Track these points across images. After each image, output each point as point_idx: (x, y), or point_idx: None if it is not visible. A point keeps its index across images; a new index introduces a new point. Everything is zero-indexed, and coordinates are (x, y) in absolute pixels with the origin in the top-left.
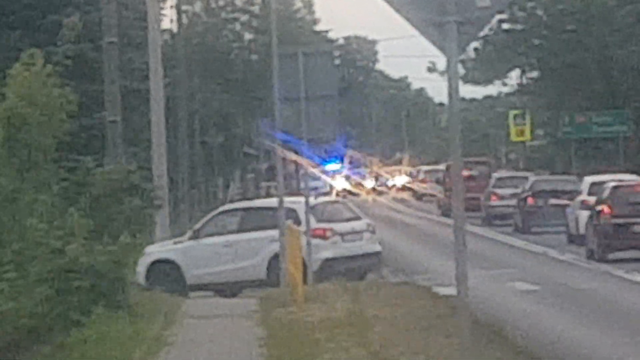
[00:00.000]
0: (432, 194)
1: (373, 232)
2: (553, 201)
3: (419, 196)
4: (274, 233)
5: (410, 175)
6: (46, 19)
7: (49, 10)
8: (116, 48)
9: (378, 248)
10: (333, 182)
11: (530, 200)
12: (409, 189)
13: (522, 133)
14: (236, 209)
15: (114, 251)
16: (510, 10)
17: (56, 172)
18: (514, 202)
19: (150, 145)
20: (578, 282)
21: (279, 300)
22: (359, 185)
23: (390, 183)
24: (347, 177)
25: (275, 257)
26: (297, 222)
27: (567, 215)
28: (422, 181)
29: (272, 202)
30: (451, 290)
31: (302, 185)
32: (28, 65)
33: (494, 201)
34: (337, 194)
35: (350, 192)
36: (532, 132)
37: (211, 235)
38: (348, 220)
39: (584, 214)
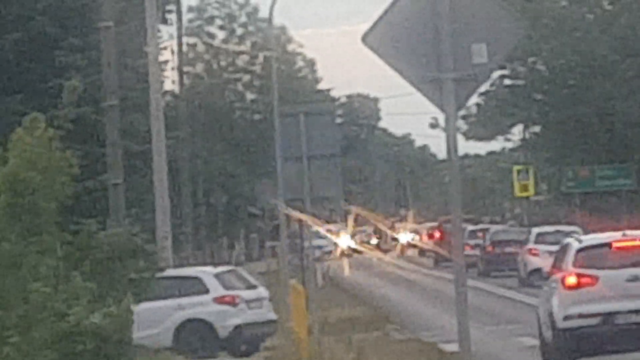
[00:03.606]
0: (433, 250)
1: (269, 300)
2: (507, 249)
3: (421, 252)
4: (180, 301)
5: (415, 232)
6: (47, 82)
7: (50, 74)
8: (117, 110)
9: (274, 316)
10: (338, 240)
11: (489, 249)
12: (414, 245)
13: (525, 188)
14: None
15: (117, 314)
16: (512, 65)
17: (59, 235)
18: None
19: (154, 207)
20: None
21: (284, 359)
22: (364, 243)
23: (395, 240)
24: (352, 235)
25: (183, 324)
26: (204, 290)
27: (518, 262)
28: (426, 237)
29: (178, 271)
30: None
31: (307, 244)
32: (30, 130)
33: (467, 250)
34: (342, 252)
35: (355, 250)
36: (535, 186)
37: None
38: (248, 288)
39: (531, 260)
